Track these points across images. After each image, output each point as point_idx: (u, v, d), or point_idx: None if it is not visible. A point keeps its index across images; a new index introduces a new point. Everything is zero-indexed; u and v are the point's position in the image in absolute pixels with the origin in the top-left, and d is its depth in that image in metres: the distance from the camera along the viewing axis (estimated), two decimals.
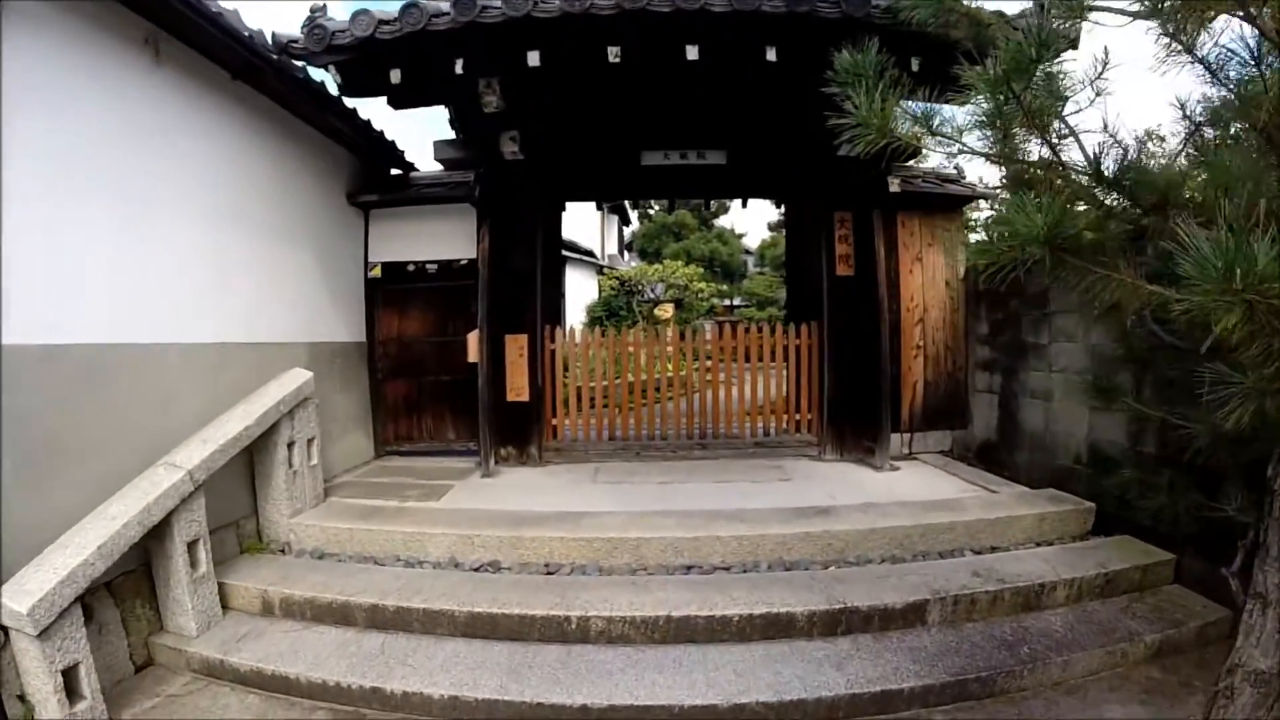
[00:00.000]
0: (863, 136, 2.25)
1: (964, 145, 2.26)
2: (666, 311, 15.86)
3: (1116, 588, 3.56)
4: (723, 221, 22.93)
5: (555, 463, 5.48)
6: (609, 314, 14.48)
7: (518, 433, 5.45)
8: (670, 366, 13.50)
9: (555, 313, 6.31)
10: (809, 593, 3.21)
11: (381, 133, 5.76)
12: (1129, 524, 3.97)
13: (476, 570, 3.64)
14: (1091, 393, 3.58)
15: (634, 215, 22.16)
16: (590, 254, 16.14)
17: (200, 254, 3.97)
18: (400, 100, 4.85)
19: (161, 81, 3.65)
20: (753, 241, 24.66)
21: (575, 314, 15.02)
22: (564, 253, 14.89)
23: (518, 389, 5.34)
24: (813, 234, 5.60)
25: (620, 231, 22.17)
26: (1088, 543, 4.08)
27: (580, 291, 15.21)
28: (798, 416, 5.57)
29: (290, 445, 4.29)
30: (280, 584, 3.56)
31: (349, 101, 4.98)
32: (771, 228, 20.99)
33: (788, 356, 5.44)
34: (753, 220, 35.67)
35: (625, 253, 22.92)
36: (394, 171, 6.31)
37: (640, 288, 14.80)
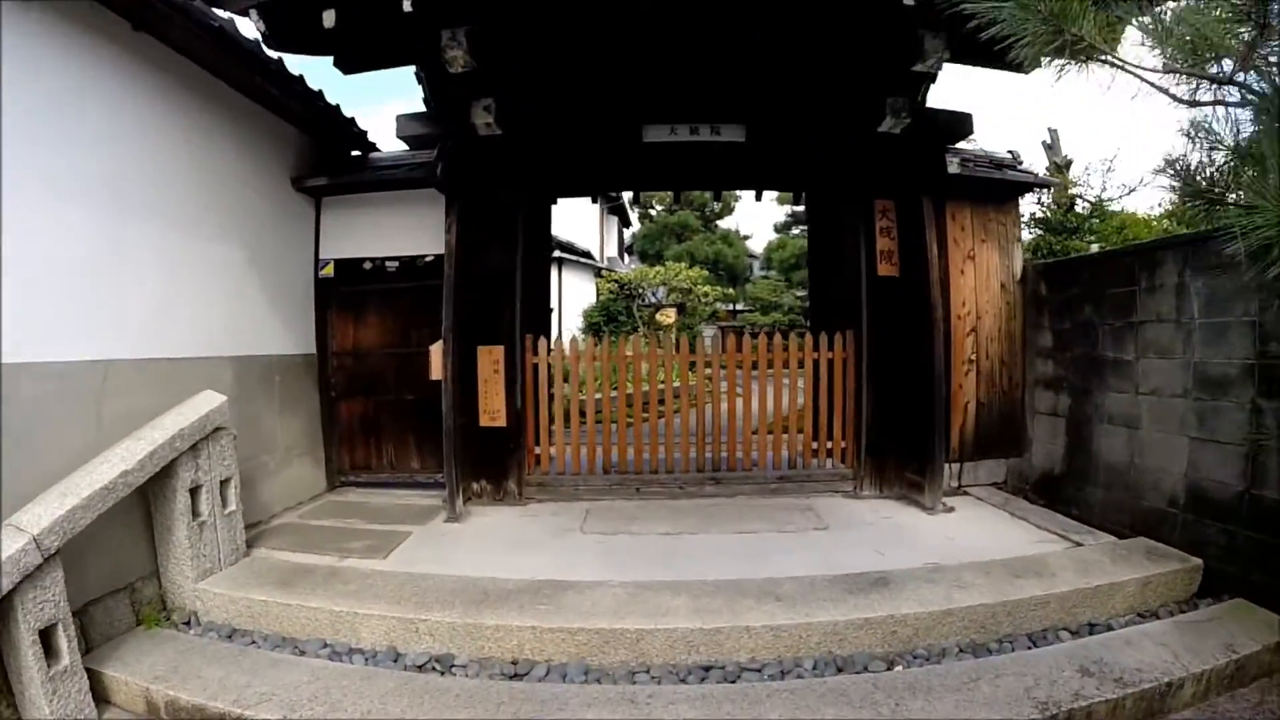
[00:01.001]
0: (1019, 30, 1.31)
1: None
2: (669, 317, 14.95)
3: (1246, 674, 2.75)
4: (727, 223, 22.05)
5: (538, 500, 4.55)
6: (607, 319, 13.57)
7: (492, 465, 4.53)
8: (676, 374, 12.60)
9: (542, 320, 5.38)
10: (874, 711, 2.28)
11: (337, 107, 4.85)
12: (1239, 582, 3.20)
13: (421, 669, 2.71)
14: (1196, 421, 2.73)
15: (634, 216, 21.27)
16: (588, 255, 15.24)
17: (85, 249, 3.08)
18: (348, 58, 3.95)
19: (39, 32, 2.78)
20: (758, 244, 23.77)
21: (572, 319, 14.10)
22: (559, 254, 14.02)
23: (492, 412, 4.42)
24: (845, 228, 4.69)
25: (620, 233, 21.29)
26: (1199, 612, 3.23)
27: (577, 295, 14.30)
28: (829, 444, 4.64)
29: (195, 490, 3.38)
30: (169, 679, 2.65)
31: (316, 79, 4.08)
32: (778, 229, 20.11)
33: (817, 373, 4.51)
34: (758, 222, 34.78)
35: (625, 255, 22.03)
36: (356, 155, 5.40)
37: (641, 291, 13.89)
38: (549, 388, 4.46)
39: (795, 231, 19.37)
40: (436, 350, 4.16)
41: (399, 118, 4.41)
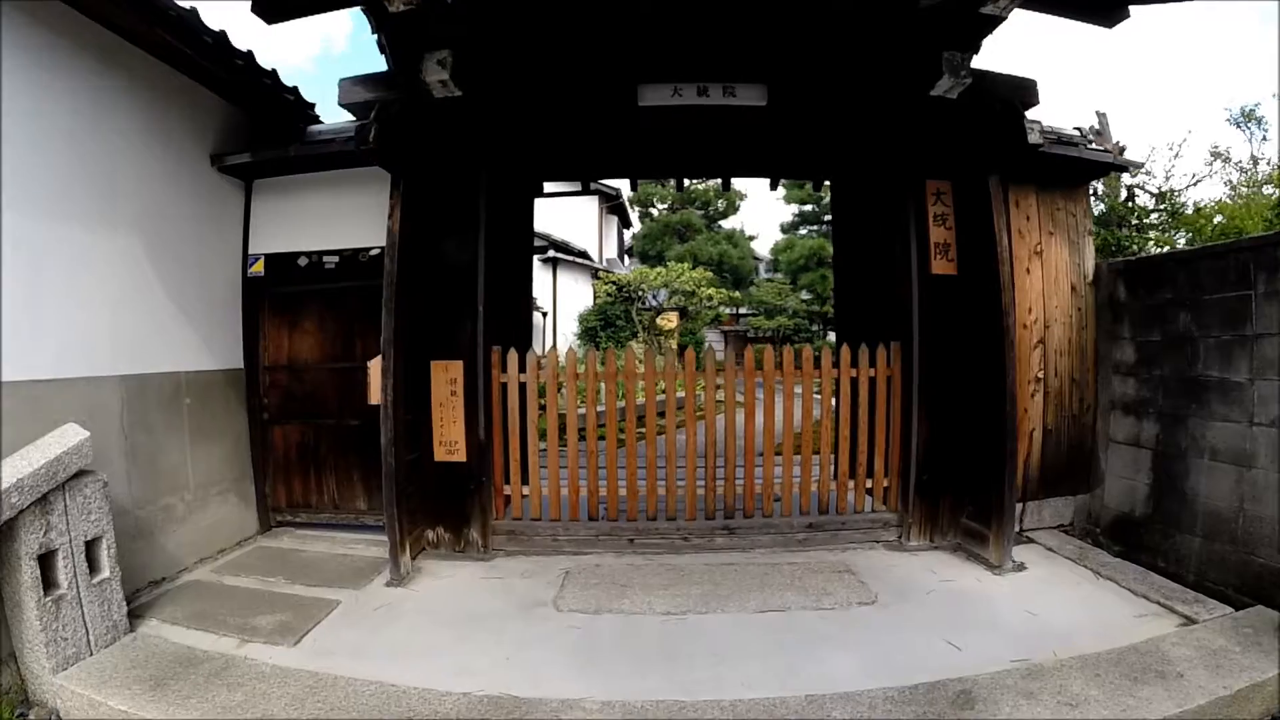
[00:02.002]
0: None
1: None
2: (670, 321, 14.07)
3: None
4: (731, 222, 21.20)
5: (507, 552, 3.66)
6: (605, 324, 12.70)
7: (450, 508, 3.66)
8: (680, 383, 11.68)
9: (518, 328, 4.50)
10: None
11: (272, 72, 3.99)
12: None
13: None
14: None
15: (635, 215, 20.43)
16: (585, 256, 14.38)
17: None
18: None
19: None
20: (762, 245, 22.91)
21: (568, 323, 13.23)
22: (555, 254, 13.17)
23: (449, 444, 3.54)
24: (885, 217, 3.80)
25: (620, 233, 20.45)
26: None
27: (574, 298, 13.44)
28: (868, 482, 3.74)
29: (47, 556, 2.54)
30: None
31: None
32: (785, 229, 19.23)
33: (855, 395, 3.61)
34: (764, 222, 33.82)
35: (626, 256, 21.18)
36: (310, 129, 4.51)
37: (640, 294, 13.01)
38: (521, 413, 3.57)
39: (803, 232, 18.51)
40: (375, 367, 3.28)
41: (342, 82, 3.52)
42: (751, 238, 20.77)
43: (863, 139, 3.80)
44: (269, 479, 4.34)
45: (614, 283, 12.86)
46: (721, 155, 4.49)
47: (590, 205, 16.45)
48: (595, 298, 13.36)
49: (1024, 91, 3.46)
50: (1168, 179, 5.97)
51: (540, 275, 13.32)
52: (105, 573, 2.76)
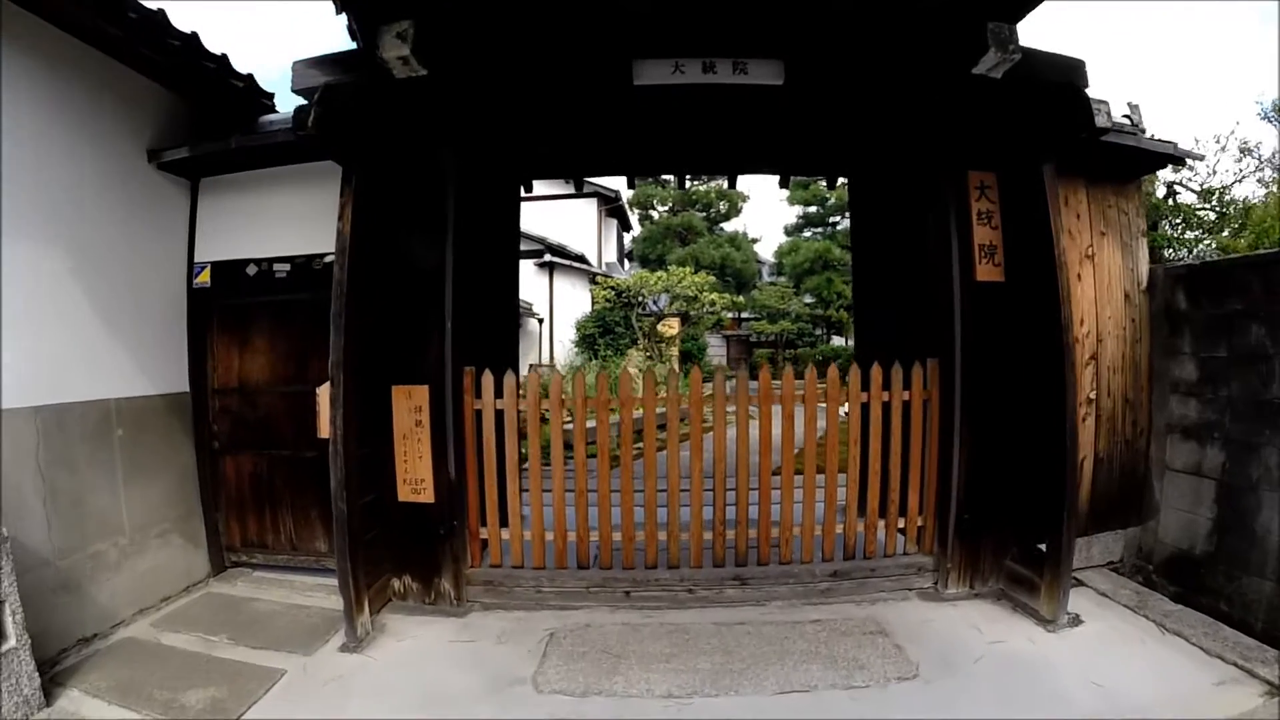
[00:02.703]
0: None
1: None
2: (672, 327, 13.59)
3: None
4: (734, 225, 20.71)
5: (485, 605, 3.17)
6: (603, 331, 12.21)
7: (418, 555, 3.17)
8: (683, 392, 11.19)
9: (503, 344, 4.01)
10: None
11: (222, 57, 3.54)
12: None
13: None
14: None
15: (635, 218, 19.97)
16: (582, 260, 13.90)
17: None
18: None
19: None
20: (765, 248, 22.41)
21: (565, 330, 12.76)
22: (551, 258, 12.70)
23: (415, 482, 3.06)
24: (916, 215, 3.31)
25: (620, 237, 19.99)
26: None
27: (571, 304, 12.96)
28: (900, 521, 3.25)
29: None
30: None
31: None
32: (789, 231, 18.75)
33: (887, 421, 3.10)
34: (767, 224, 33.20)
35: (626, 260, 20.71)
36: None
37: (640, 299, 12.53)
38: (499, 445, 3.08)
39: (807, 234, 18.03)
40: (324, 395, 2.80)
41: (296, 64, 3.05)
42: (755, 240, 20.29)
43: (893, 125, 3.32)
44: (221, 515, 3.86)
45: (613, 288, 12.37)
46: (728, 148, 4.00)
47: (589, 208, 16.00)
48: (593, 304, 12.88)
49: (1074, 72, 2.99)
50: (1210, 175, 5.49)
51: (536, 280, 12.86)
52: (11, 641, 2.31)
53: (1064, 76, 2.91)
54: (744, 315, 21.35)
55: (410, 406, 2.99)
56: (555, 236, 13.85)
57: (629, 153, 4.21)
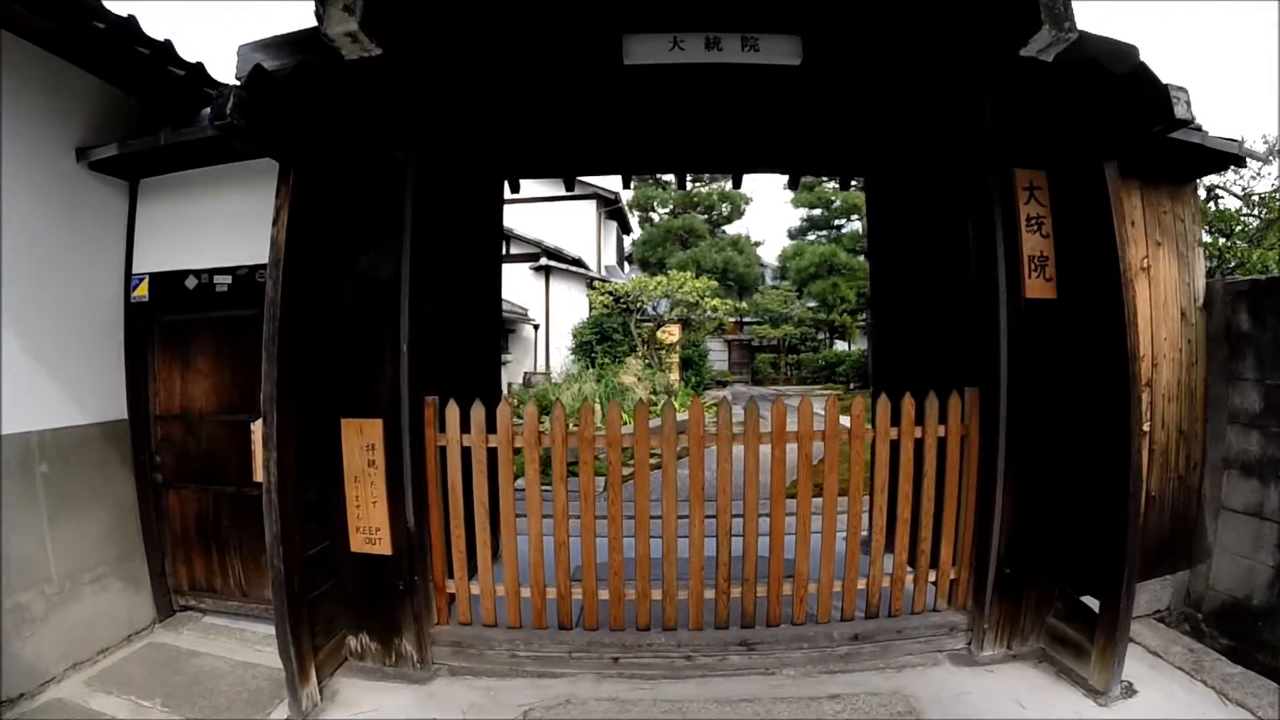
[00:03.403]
0: None
1: None
2: (671, 334, 13.17)
3: None
4: (736, 228, 20.31)
5: (453, 669, 2.75)
6: (600, 337, 11.79)
7: (377, 609, 2.75)
8: (681, 404, 10.74)
9: (482, 367, 3.60)
10: None
11: (164, 44, 3.14)
12: None
13: None
14: None
15: (635, 220, 19.56)
16: (579, 263, 13.48)
17: None
18: None
19: None
20: (768, 251, 21.98)
21: (561, 336, 12.34)
22: (547, 262, 12.29)
23: (369, 530, 2.64)
24: (952, 220, 2.89)
25: (620, 239, 19.58)
26: None
27: (569, 309, 12.55)
28: (931, 574, 2.81)
29: None
30: None
31: None
32: (793, 235, 18.31)
33: (920, 461, 2.66)
34: (770, 226, 32.56)
35: (626, 264, 20.30)
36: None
37: (639, 304, 12.11)
38: (466, 488, 2.65)
39: (811, 237, 17.60)
40: (259, 432, 2.38)
41: (241, 49, 2.64)
42: (758, 244, 19.84)
43: (926, 116, 2.89)
44: (168, 555, 3.46)
45: (611, 293, 11.94)
46: (733, 143, 3.58)
47: (588, 210, 15.60)
48: (591, 309, 12.46)
49: (1128, 57, 2.57)
50: (1256, 178, 5.06)
51: (532, 285, 12.45)
52: None
53: (1126, 62, 2.49)
54: (746, 319, 20.97)
55: (361, 444, 2.57)
56: (553, 239, 13.44)
57: (624, 149, 3.79)
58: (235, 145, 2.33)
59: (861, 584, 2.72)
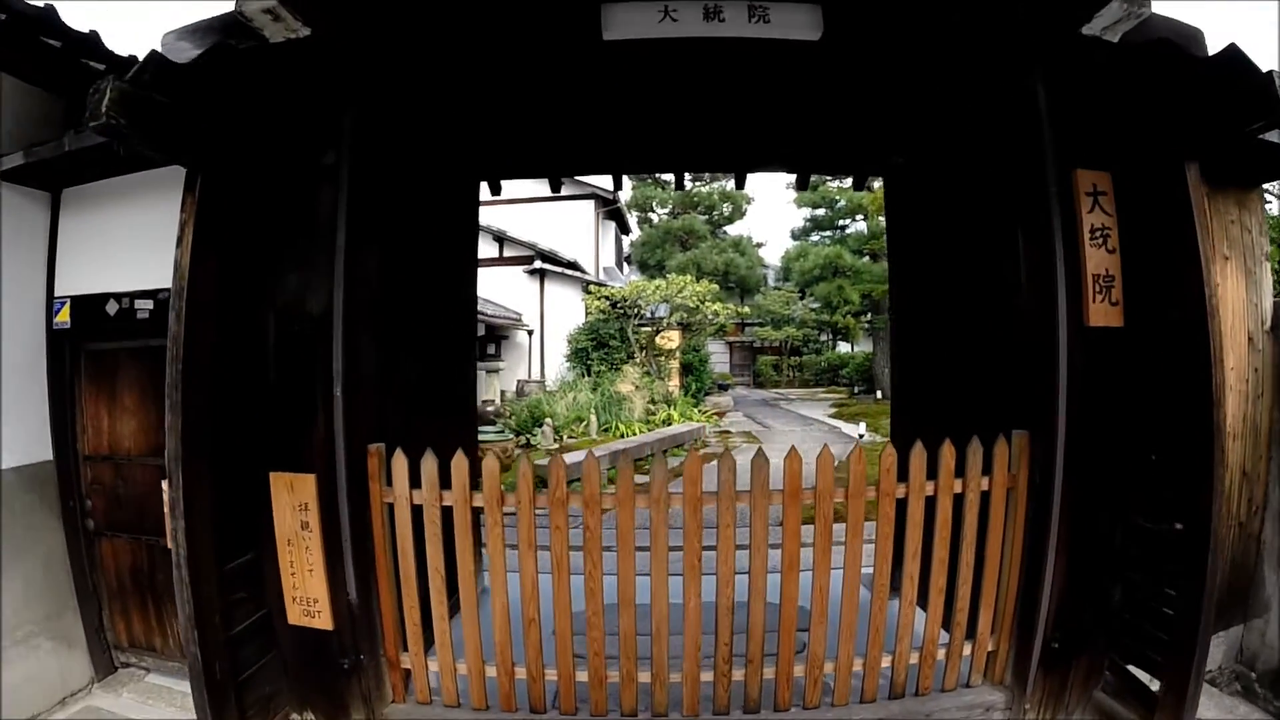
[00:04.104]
0: None
1: None
2: (671, 340, 12.75)
3: None
4: (737, 228, 19.87)
5: None
6: (596, 344, 11.37)
7: (322, 685, 2.36)
8: (679, 415, 10.33)
9: (444, 400, 3.18)
10: None
11: (88, 36, 2.76)
12: None
13: None
14: None
15: (633, 221, 19.13)
16: (574, 266, 13.06)
17: None
18: None
19: None
20: (770, 253, 21.52)
21: (556, 343, 11.94)
22: (541, 265, 11.88)
23: (307, 601, 2.24)
24: (993, 230, 2.48)
25: (618, 240, 19.15)
26: None
27: (565, 313, 12.15)
28: (966, 647, 2.40)
29: None
30: None
31: None
32: (796, 235, 17.85)
33: (959, 519, 2.24)
34: (772, 227, 31.95)
35: (625, 265, 19.86)
36: None
37: (637, 309, 11.70)
38: (419, 553, 2.24)
39: (815, 238, 17.14)
40: (168, 493, 1.98)
41: (166, 37, 2.25)
42: (760, 245, 19.39)
43: (967, 104, 2.48)
44: (104, 608, 3.08)
45: (607, 298, 11.52)
46: (736, 136, 3.16)
47: (585, 210, 15.18)
48: (587, 314, 12.04)
49: (1195, 42, 2.16)
50: None
51: (526, 289, 12.05)
52: None
53: (1204, 45, 2.09)
54: (748, 321, 20.52)
55: (293, 503, 2.16)
56: (549, 241, 13.02)
57: (614, 146, 3.39)
58: (119, 151, 1.92)
59: (886, 660, 2.31)
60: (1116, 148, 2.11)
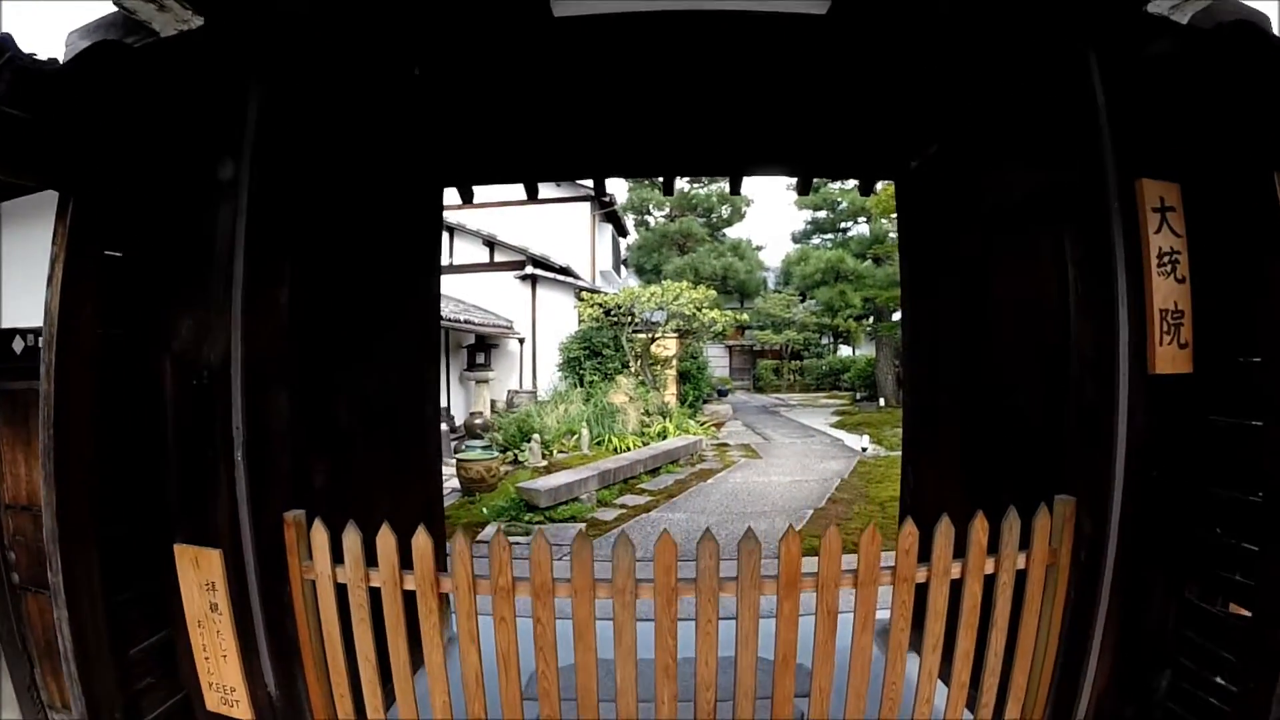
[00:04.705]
0: None
1: None
2: (667, 348, 12.39)
3: None
4: (736, 231, 19.49)
5: None
6: (589, 353, 11.01)
7: None
8: (674, 428, 9.96)
9: (400, 440, 2.82)
10: None
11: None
12: None
13: None
14: None
15: (630, 224, 18.77)
16: (568, 271, 12.69)
17: None
18: None
19: None
20: (770, 256, 21.15)
21: (549, 351, 11.58)
22: (533, 270, 11.53)
23: (224, 690, 1.88)
24: (1036, 250, 2.12)
25: (615, 244, 18.78)
26: None
27: (558, 320, 11.78)
28: None
29: None
30: None
31: None
32: (797, 239, 17.50)
33: (988, 604, 1.88)
34: (772, 230, 31.32)
35: (622, 268, 19.50)
36: None
37: (631, 316, 11.34)
38: (347, 641, 1.88)
39: (816, 241, 16.79)
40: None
41: (70, 36, 1.91)
42: (759, 248, 19.01)
43: (1002, 95, 2.13)
44: (36, 667, 2.72)
45: (600, 304, 11.15)
46: (730, 134, 2.80)
47: (581, 213, 14.81)
48: (580, 322, 11.67)
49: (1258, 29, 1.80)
50: None
51: (518, 295, 11.69)
52: None
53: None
54: (747, 325, 20.15)
55: (200, 580, 1.81)
56: (545, 245, 12.66)
57: (595, 147, 3.04)
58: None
59: None
60: (1185, 154, 1.75)
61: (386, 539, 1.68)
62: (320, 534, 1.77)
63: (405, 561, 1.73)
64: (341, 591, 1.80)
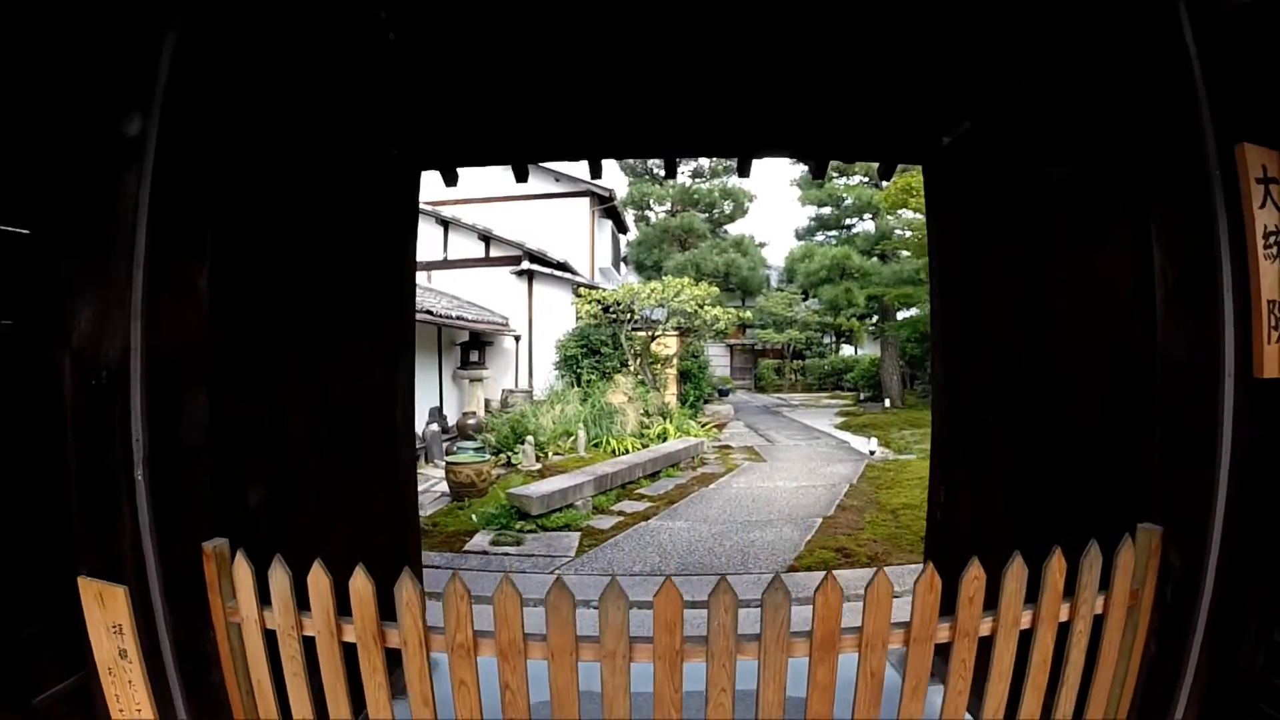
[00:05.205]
0: None
1: None
2: (667, 346, 12.08)
3: None
4: (739, 227, 19.17)
5: None
6: (587, 351, 10.70)
7: None
8: (675, 429, 9.64)
9: (366, 456, 2.51)
10: None
11: None
12: None
13: None
14: None
15: (630, 219, 18.44)
16: (565, 267, 12.38)
17: None
18: None
19: None
20: (772, 253, 20.82)
21: (546, 350, 11.27)
22: (529, 266, 11.22)
23: None
24: (1106, 235, 1.81)
25: (615, 239, 18.46)
26: None
27: (556, 317, 11.47)
28: None
29: None
30: None
31: None
32: (800, 235, 17.17)
33: (1061, 659, 1.57)
34: (775, 227, 30.89)
35: (622, 265, 19.19)
36: None
37: (630, 314, 11.03)
38: (279, 693, 1.57)
39: (820, 238, 16.46)
40: None
41: None
42: (762, 244, 18.67)
43: (1060, 53, 1.82)
44: None
45: (598, 300, 10.84)
46: (739, 109, 2.49)
47: (580, 208, 14.50)
48: (577, 319, 11.36)
49: None
50: None
51: (514, 291, 11.38)
52: None
53: None
54: (748, 324, 19.84)
55: (106, 621, 1.50)
56: (543, 240, 12.35)
57: (590, 124, 2.72)
58: None
59: None
60: None
61: (319, 580, 1.37)
62: (243, 570, 1.46)
63: (350, 605, 1.42)
64: (273, 638, 1.49)
